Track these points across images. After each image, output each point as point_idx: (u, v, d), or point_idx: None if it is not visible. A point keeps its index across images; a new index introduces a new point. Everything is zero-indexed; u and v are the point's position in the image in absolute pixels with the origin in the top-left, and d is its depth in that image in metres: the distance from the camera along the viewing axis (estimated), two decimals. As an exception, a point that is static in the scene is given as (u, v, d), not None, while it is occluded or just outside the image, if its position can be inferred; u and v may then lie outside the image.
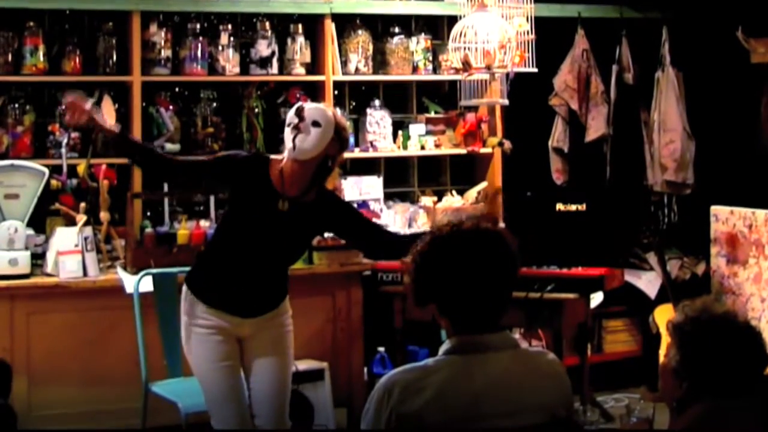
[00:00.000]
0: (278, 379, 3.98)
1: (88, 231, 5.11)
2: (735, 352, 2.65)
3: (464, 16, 5.66)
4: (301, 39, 5.86)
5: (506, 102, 5.90)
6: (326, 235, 5.47)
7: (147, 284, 4.75)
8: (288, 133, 3.81)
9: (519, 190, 5.94)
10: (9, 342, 4.92)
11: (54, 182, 5.24)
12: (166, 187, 5.38)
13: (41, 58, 5.42)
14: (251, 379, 3.98)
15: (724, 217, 5.58)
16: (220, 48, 5.73)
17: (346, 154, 5.94)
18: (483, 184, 6.16)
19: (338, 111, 4.22)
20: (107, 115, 5.39)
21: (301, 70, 5.84)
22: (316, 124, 3.80)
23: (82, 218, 5.12)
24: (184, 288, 3.97)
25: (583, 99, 6.36)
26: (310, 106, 3.86)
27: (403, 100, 6.37)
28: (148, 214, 5.51)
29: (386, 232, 4.25)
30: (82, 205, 5.19)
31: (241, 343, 3.97)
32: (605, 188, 6.37)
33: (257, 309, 3.95)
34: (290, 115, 3.84)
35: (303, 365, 5.13)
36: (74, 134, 5.47)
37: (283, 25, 5.93)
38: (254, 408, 3.97)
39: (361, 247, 4.48)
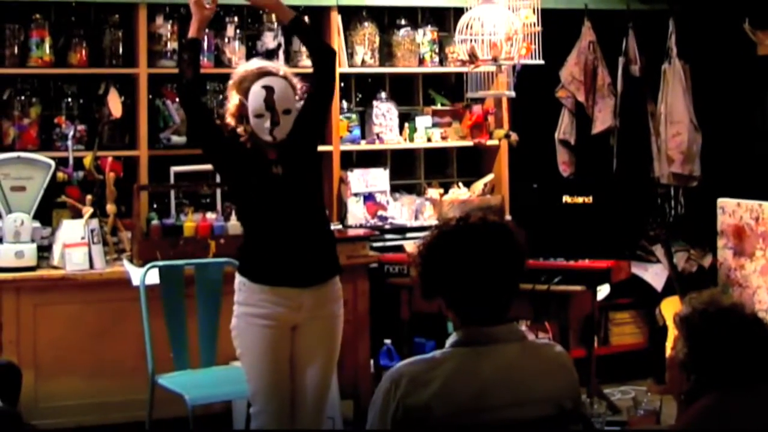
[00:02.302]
0: (322, 378, 4.00)
1: (95, 223, 5.11)
2: (742, 344, 2.65)
3: (471, 8, 5.65)
4: (307, 31, 5.85)
5: (513, 94, 5.88)
6: (333, 226, 5.49)
7: (153, 276, 4.74)
8: (264, 125, 3.86)
9: (525, 183, 5.93)
10: (15, 334, 4.92)
11: (60, 174, 5.24)
12: (172, 179, 5.39)
13: (47, 51, 5.42)
14: (297, 372, 3.99)
15: (730, 210, 5.57)
16: (226, 40, 5.73)
17: (353, 147, 6.00)
18: (490, 177, 6.16)
19: (285, 67, 4.19)
20: (114, 108, 5.39)
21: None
22: (287, 111, 3.89)
23: (88, 210, 5.12)
24: (237, 279, 3.95)
25: (589, 91, 6.34)
26: (276, 94, 3.87)
27: (409, 93, 6.37)
28: (155, 206, 5.51)
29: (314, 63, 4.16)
30: (89, 197, 5.18)
31: (294, 332, 3.96)
32: (612, 180, 6.35)
33: (313, 270, 3.94)
34: (258, 107, 3.86)
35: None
36: (80, 126, 5.47)
37: (289, 17, 5.92)
38: (296, 399, 3.99)
39: (327, 79, 4.16)
